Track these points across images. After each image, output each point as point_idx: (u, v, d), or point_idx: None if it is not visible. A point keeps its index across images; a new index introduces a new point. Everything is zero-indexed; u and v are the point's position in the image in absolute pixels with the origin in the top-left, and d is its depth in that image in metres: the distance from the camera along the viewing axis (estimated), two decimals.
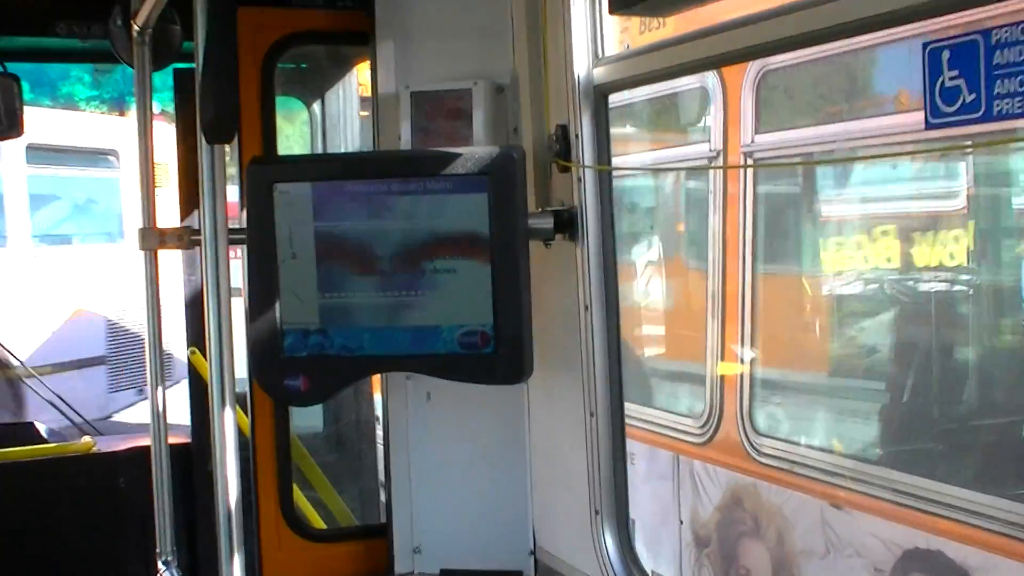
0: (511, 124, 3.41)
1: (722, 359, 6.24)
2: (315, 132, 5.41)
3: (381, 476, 4.12)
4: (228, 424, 2.70)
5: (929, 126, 2.04)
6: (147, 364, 3.44)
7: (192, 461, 4.82)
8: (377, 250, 2.99)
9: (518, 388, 3.44)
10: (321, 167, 3.18)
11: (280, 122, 5.87)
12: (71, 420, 5.89)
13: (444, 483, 3.60)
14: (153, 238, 3.25)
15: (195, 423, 4.86)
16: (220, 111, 2.54)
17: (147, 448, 3.45)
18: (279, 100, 5.55)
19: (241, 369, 3.20)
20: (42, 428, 5.39)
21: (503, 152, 2.97)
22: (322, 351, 3.02)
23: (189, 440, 4.84)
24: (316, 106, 5.40)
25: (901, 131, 5.34)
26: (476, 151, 2.99)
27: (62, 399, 6.11)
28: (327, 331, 3.02)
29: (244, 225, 3.12)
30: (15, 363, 6.22)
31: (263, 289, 3.03)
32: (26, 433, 5.24)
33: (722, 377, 6.27)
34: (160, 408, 3.44)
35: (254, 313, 3.04)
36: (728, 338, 6.14)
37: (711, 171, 6.43)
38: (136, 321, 12.03)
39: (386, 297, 2.99)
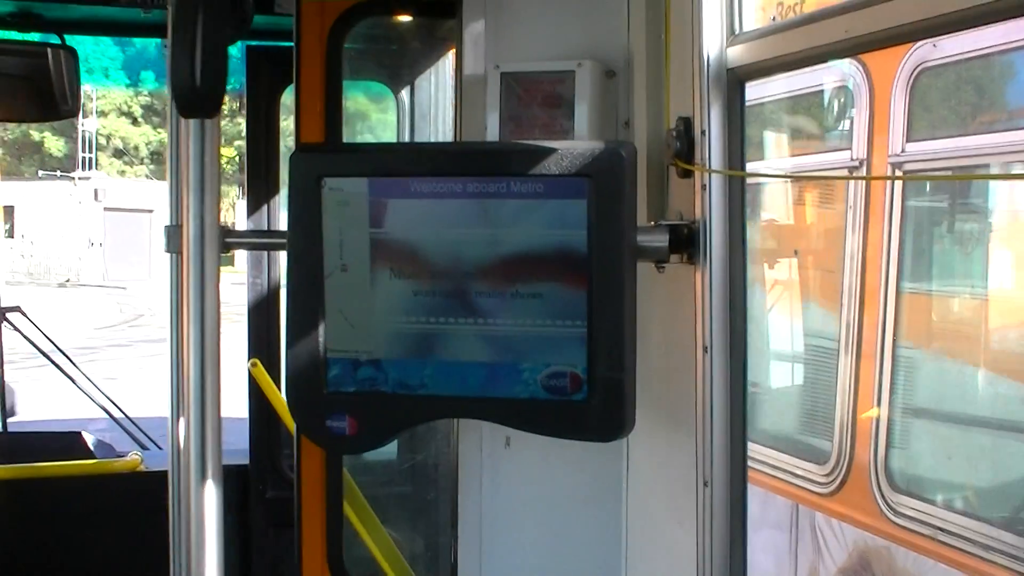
0: (622, 116, 2.81)
1: (856, 399, 5.50)
2: (402, 122, 4.88)
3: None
4: (210, 478, 2.16)
5: None
6: (168, 383, 2.95)
7: (249, 486, 4.45)
8: (447, 266, 2.39)
9: (616, 443, 2.83)
10: (381, 159, 2.57)
11: (366, 111, 5.40)
12: (122, 426, 5.47)
13: (521, 547, 3.01)
14: (179, 238, 2.72)
15: (253, 442, 4.46)
16: (199, 72, 1.95)
17: None
18: (363, 86, 5.07)
19: None
20: (89, 439, 4.99)
21: (609, 149, 2.33)
22: (374, 387, 2.44)
23: (247, 462, 4.47)
24: (404, 93, 4.87)
25: None
26: (575, 146, 2.36)
27: (114, 402, 5.70)
28: (380, 363, 2.44)
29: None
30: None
31: (305, 307, 2.45)
32: (72, 443, 4.85)
33: (854, 419, 5.54)
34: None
35: (293, 336, 2.47)
36: (864, 375, 5.41)
37: (850, 184, 5.69)
38: None
39: (455, 325, 2.39)
